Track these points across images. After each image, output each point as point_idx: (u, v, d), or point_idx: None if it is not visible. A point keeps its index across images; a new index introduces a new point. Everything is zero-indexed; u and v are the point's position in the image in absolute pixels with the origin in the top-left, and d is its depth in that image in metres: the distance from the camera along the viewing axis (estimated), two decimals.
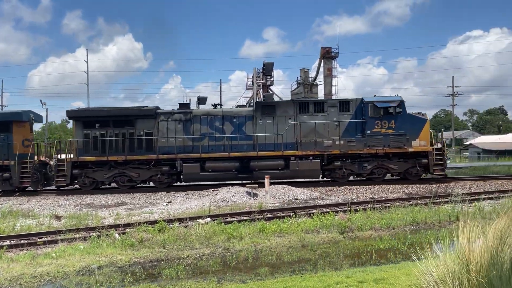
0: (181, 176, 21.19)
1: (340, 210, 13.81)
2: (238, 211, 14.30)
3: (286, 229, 11.26)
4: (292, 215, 13.08)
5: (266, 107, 21.37)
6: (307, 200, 17.26)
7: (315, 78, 49.36)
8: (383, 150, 20.72)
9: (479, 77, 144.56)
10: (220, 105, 22.89)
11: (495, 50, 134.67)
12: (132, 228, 11.49)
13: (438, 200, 14.99)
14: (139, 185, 21.71)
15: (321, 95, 48.44)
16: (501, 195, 16.13)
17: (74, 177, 20.82)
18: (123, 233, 11.14)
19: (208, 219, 12.44)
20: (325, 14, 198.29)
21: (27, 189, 21.63)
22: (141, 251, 9.66)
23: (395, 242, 9.95)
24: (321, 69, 48.49)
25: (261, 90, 46.30)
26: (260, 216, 12.87)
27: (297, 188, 19.07)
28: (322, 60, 47.88)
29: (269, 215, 13.28)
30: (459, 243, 3.96)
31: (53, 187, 21.86)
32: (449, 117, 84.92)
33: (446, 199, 14.86)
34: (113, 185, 21.58)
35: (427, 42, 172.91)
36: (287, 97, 51.76)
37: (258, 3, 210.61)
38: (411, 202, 14.47)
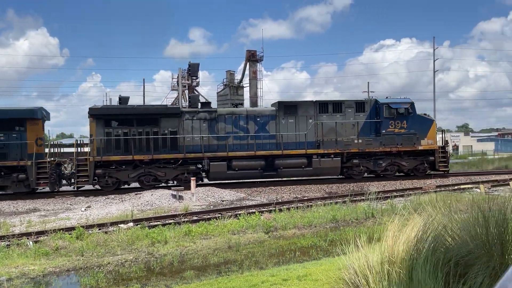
0: (207, 175, 21.08)
1: (266, 210, 14.06)
2: (163, 214, 13.97)
3: (213, 231, 11.22)
4: (219, 216, 13.06)
5: (288, 107, 22.02)
6: (233, 201, 17.35)
7: (241, 80, 49.81)
8: (396, 148, 22.12)
9: (391, 83, 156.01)
10: (240, 104, 22.48)
11: (405, 59, 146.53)
12: (47, 236, 10.72)
13: (355, 198, 15.88)
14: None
15: (246, 97, 49.02)
16: (410, 192, 17.51)
17: (96, 177, 19.91)
18: (36, 242, 10.34)
19: (131, 224, 11.99)
20: (250, 17, 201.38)
21: (37, 190, 20.26)
22: (57, 260, 9.04)
23: (317, 239, 10.36)
24: (247, 72, 49.07)
25: (187, 91, 45.72)
26: (186, 219, 12.71)
27: (224, 190, 19.09)
28: (248, 63, 48.47)
29: (195, 218, 13.14)
30: (383, 238, 4.23)
31: (69, 188, 20.73)
32: None
33: (363, 197, 15.79)
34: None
35: (346, 49, 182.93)
36: (213, 99, 51.58)
37: (184, 2, 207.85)
38: (331, 201, 15.17)
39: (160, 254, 9.44)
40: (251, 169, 20.82)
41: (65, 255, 9.35)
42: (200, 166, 20.78)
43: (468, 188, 17.88)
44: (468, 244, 3.90)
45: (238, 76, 50.59)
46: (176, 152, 20.44)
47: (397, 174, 23.24)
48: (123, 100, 21.49)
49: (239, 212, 13.62)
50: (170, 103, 47.27)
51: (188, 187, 18.61)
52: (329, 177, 22.62)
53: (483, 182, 19.56)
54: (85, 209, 15.94)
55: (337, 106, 22.29)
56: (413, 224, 4.24)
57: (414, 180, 21.87)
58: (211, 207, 15.91)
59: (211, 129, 21.03)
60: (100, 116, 20.17)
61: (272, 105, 22.81)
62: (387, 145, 22.09)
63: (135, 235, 10.57)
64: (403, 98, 23.51)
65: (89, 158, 19.64)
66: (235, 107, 22.24)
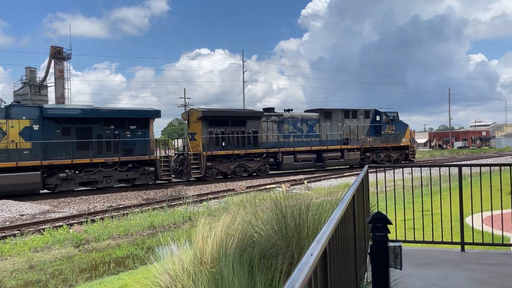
0: (280, 166, 26.48)
1: (76, 222, 12.92)
2: None
3: (9, 250, 9.72)
4: (17, 233, 11.40)
5: (327, 113, 29.32)
6: (36, 215, 15.37)
7: (44, 79, 44.74)
8: (390, 144, 31.59)
9: (207, 90, 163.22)
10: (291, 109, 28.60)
11: (219, 68, 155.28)
12: None
13: (173, 203, 15.99)
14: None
15: (52, 98, 44.27)
16: (225, 194, 18.58)
17: (206, 169, 23.36)
18: None
19: None
20: (58, 10, 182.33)
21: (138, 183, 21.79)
22: None
23: (134, 248, 10.03)
24: (52, 70, 44.32)
25: None
26: None
27: (23, 203, 16.76)
28: (53, 60, 43.85)
29: None
30: (195, 240, 4.34)
31: (175, 179, 24.05)
32: (182, 125, 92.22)
33: (180, 202, 16.02)
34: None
35: (163, 54, 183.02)
36: (9, 98, 44.82)
37: None
38: (148, 207, 14.91)
39: None
40: (308, 161, 27.40)
41: None
42: (278, 159, 26.20)
43: (273, 187, 19.99)
44: (272, 238, 4.35)
45: (41, 74, 45.35)
46: (256, 147, 25.62)
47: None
48: None
49: (43, 227, 12.16)
50: None
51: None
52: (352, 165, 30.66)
53: (284, 182, 22.14)
54: None
55: (354, 113, 30.41)
56: (222, 224, 4.50)
57: (228, 183, 23.33)
58: (7, 223, 13.75)
59: (279, 129, 26.85)
60: (206, 117, 24.06)
61: (314, 110, 29.67)
62: (384, 143, 31.24)
63: None
64: (389, 108, 32.36)
65: (202, 153, 23.22)
66: (287, 112, 28.08)
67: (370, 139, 30.73)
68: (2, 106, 19.83)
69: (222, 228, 4.40)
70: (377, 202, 5.77)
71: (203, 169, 23.24)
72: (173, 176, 23.68)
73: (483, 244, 5.65)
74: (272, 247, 4.22)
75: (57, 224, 12.54)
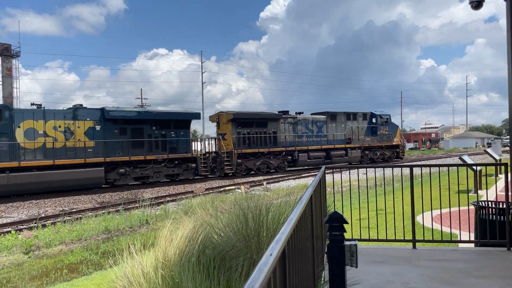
0: (295, 163, 29.54)
1: (25, 228, 12.32)
2: None
3: None
4: None
5: (332, 115, 32.53)
6: None
7: None
8: (384, 144, 35.33)
9: (165, 91, 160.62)
10: (301, 112, 31.40)
11: (178, 69, 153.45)
12: None
13: (129, 206, 15.58)
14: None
15: None
16: (183, 196, 18.32)
17: (237, 166, 26.00)
18: None
19: None
20: (7, 5, 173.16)
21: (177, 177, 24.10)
22: None
23: (87, 253, 9.69)
24: None
25: None
26: None
27: None
28: (0, 58, 41.62)
29: None
30: (157, 243, 4.26)
31: (208, 174, 25.87)
32: None
33: (137, 205, 15.64)
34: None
35: (119, 53, 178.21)
36: None
37: None
38: (103, 211, 14.46)
39: None
40: (319, 158, 30.34)
41: None
42: (294, 156, 29.26)
43: (232, 189, 19.95)
44: (232, 239, 4.35)
45: None
46: (276, 146, 28.43)
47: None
48: None
49: None
50: None
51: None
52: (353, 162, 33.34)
53: (243, 183, 22.16)
54: None
55: (354, 115, 33.76)
56: (183, 226, 4.45)
57: (186, 185, 23.06)
58: None
59: (294, 130, 29.82)
60: (235, 119, 26.68)
61: (320, 113, 32.64)
62: (380, 142, 34.98)
63: None
64: (383, 111, 36.12)
65: (234, 151, 25.87)
66: (299, 114, 30.78)
67: (368, 139, 34.48)
68: (66, 108, 21.85)
69: (184, 231, 4.35)
70: (334, 202, 5.90)
71: (234, 166, 26.09)
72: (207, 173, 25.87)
73: (433, 241, 5.92)
74: (231, 248, 4.22)
75: (4, 230, 11.92)
